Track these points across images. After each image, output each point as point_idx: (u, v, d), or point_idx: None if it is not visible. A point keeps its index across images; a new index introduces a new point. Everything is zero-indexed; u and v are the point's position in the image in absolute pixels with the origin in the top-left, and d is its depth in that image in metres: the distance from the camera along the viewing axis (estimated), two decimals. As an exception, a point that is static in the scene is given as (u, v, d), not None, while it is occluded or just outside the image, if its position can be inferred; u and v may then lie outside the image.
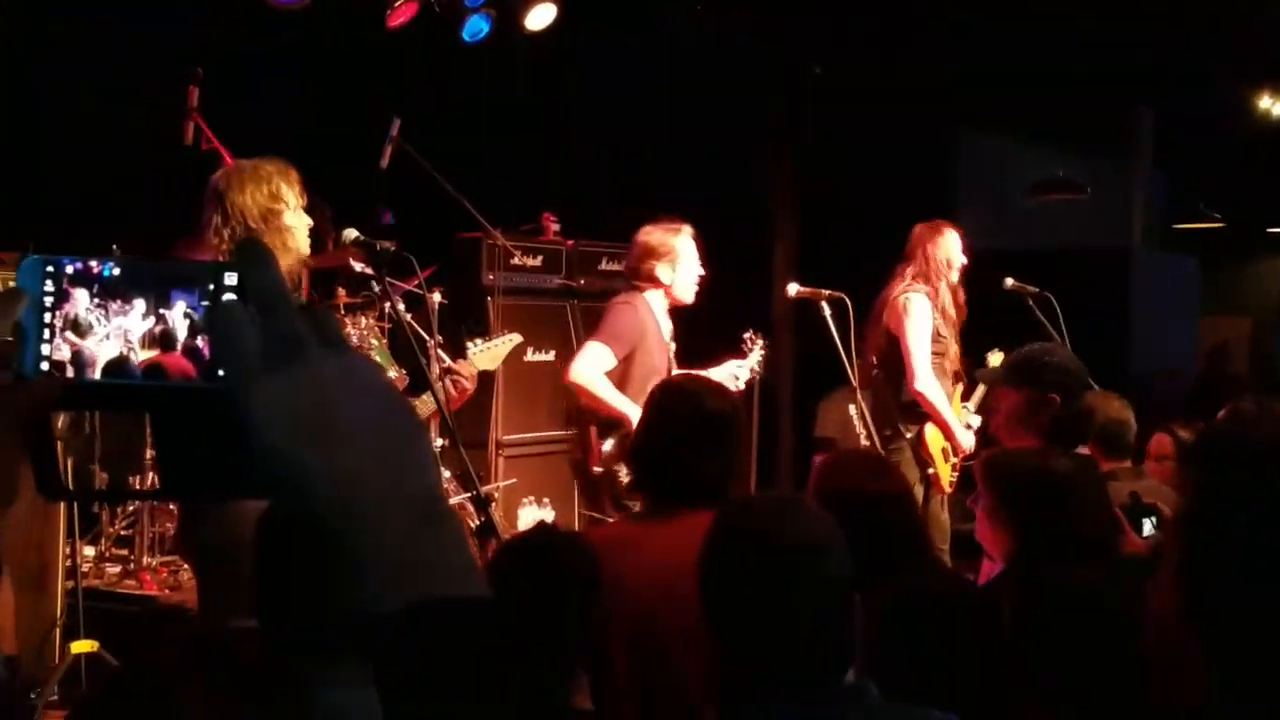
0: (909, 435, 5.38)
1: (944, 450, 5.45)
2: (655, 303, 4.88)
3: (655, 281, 4.85)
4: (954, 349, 5.52)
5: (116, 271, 0.82)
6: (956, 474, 5.52)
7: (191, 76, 5.57)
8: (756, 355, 5.21)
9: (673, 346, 5.00)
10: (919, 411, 5.36)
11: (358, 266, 5.28)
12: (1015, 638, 2.27)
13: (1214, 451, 3.27)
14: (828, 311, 5.06)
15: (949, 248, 5.54)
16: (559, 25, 7.12)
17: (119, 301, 0.81)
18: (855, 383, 5.17)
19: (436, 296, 5.99)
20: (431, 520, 0.74)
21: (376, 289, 5.15)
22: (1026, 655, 2.25)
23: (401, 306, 5.32)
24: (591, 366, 4.70)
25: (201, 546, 2.74)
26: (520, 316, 6.88)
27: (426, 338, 5.66)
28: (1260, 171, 11.23)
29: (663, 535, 2.82)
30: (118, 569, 5.71)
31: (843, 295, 5.09)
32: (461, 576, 0.74)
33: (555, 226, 7.31)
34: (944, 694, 2.01)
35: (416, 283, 5.02)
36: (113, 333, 0.81)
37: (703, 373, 5.18)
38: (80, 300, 0.81)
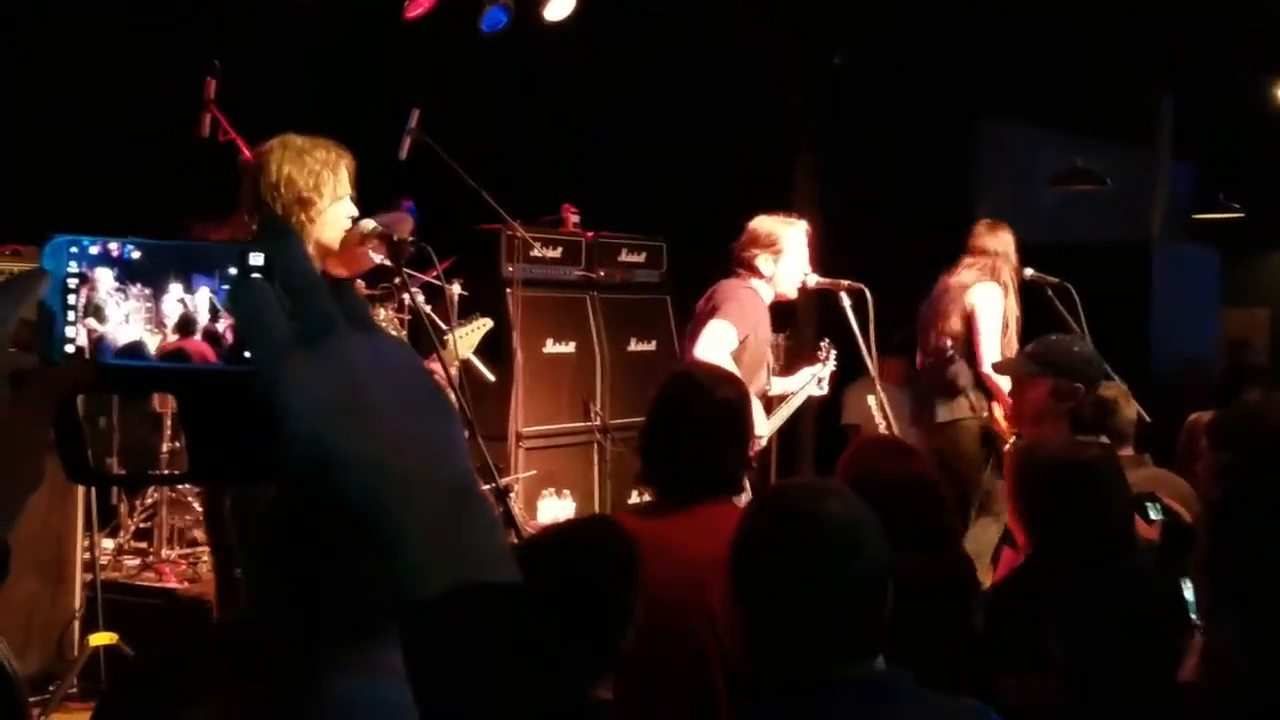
0: (983, 414, 5.76)
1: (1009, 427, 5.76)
2: (763, 292, 4.89)
3: (756, 271, 4.88)
4: (1017, 343, 5.77)
5: (136, 255, 0.80)
6: None
7: (209, 69, 5.56)
8: (832, 363, 5.37)
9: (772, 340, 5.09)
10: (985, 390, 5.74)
11: (377, 258, 5.26)
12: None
13: (1233, 438, 3.27)
14: (847, 302, 5.05)
15: (1013, 243, 5.93)
16: (578, 16, 7.10)
17: (139, 285, 0.80)
18: (874, 373, 5.17)
19: (456, 288, 5.98)
20: (465, 504, 0.72)
21: (395, 281, 5.14)
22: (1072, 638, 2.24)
23: (421, 298, 5.31)
24: (714, 345, 4.59)
25: (231, 528, 2.72)
26: (540, 308, 6.88)
27: (445, 329, 5.65)
28: (1281, 161, 11.17)
29: (680, 527, 2.81)
30: (136, 561, 5.73)
31: (862, 286, 5.06)
32: (496, 561, 0.72)
33: (575, 218, 7.30)
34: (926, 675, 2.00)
35: (435, 274, 5.00)
36: (131, 315, 0.79)
37: (785, 380, 5.31)
38: (102, 283, 0.80)
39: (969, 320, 5.76)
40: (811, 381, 5.23)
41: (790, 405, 5.23)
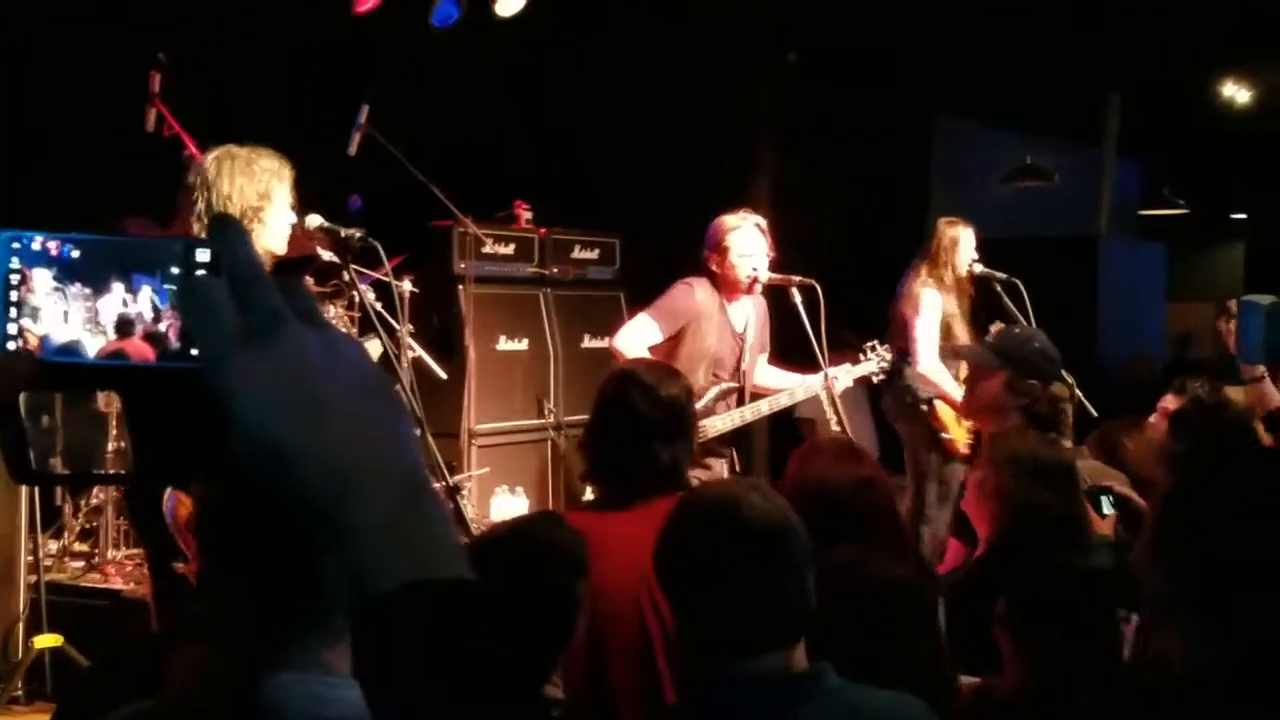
0: (924, 409, 5.84)
1: (955, 418, 5.82)
2: (721, 291, 4.92)
3: (712, 272, 4.92)
4: (963, 338, 5.84)
5: (76, 254, 0.78)
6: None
7: (154, 63, 5.49)
8: (873, 364, 5.33)
9: (751, 338, 5.02)
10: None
11: (325, 255, 5.22)
12: (1007, 611, 2.29)
13: (1192, 430, 3.33)
14: (798, 298, 5.06)
15: (957, 241, 5.95)
16: (530, 11, 7.07)
17: (79, 284, 0.78)
18: (825, 368, 5.18)
19: (407, 285, 5.94)
20: (418, 499, 0.72)
21: (345, 278, 5.10)
22: (1014, 628, 2.26)
23: (371, 295, 5.27)
24: (633, 337, 4.78)
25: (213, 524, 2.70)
26: (492, 305, 6.85)
27: (396, 326, 5.61)
28: (1224, 159, 11.32)
29: (628, 523, 2.81)
30: (81, 563, 5.65)
31: (813, 282, 5.08)
32: (449, 557, 0.72)
33: (527, 214, 7.27)
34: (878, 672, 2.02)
35: (384, 271, 4.97)
36: (70, 314, 0.77)
37: (790, 375, 5.22)
38: (40, 283, 0.78)
39: (905, 325, 5.87)
40: (819, 378, 5.08)
41: (770, 403, 5.14)
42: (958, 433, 5.83)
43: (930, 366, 5.75)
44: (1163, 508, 1.71)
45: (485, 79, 7.88)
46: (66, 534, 5.76)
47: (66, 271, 0.78)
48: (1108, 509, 3.50)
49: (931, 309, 5.86)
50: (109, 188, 5.68)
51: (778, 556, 1.93)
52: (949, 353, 5.82)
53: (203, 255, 0.77)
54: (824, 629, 1.97)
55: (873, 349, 5.37)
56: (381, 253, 4.47)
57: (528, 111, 8.17)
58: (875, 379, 5.47)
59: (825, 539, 2.74)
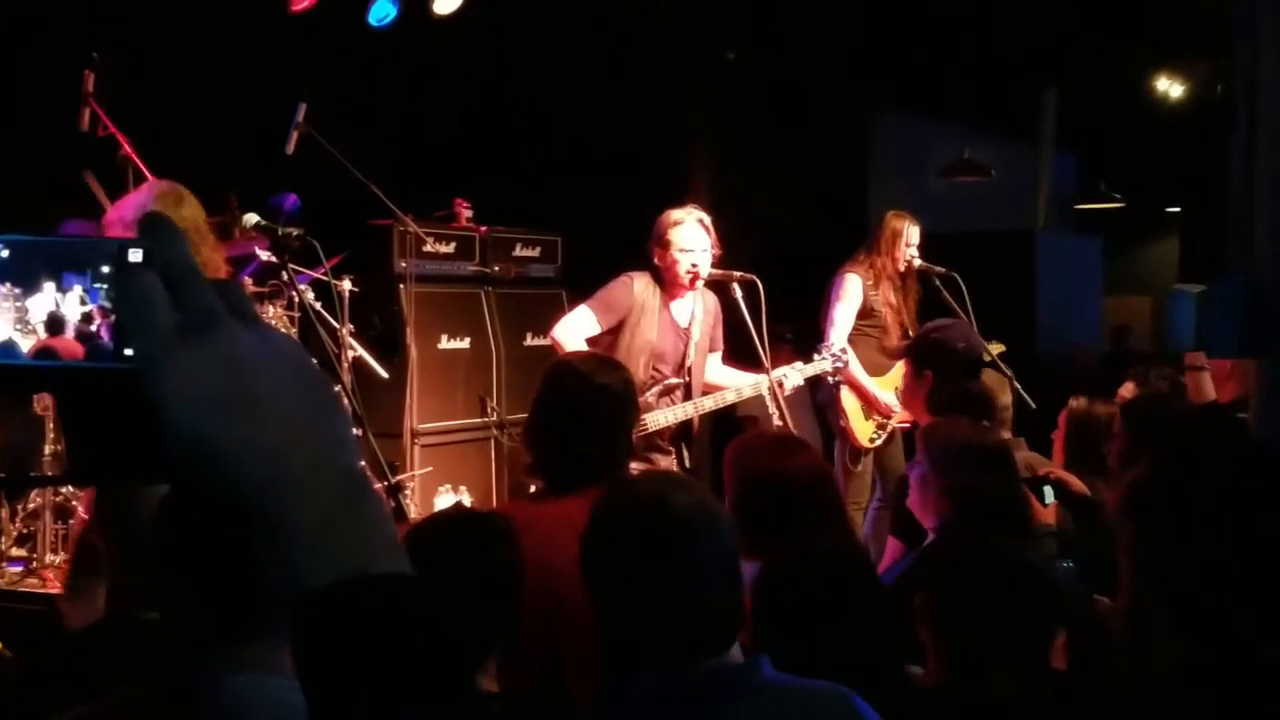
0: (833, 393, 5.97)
1: (861, 409, 5.98)
2: (664, 286, 4.92)
3: (654, 266, 4.93)
4: (895, 329, 6.00)
5: (5, 254, 0.78)
6: (883, 432, 5.99)
7: (88, 62, 5.43)
8: (825, 363, 5.28)
9: (696, 334, 5.01)
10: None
11: (263, 254, 5.18)
12: (942, 603, 2.30)
13: (1149, 422, 3.38)
14: (739, 293, 5.08)
15: (899, 234, 6.06)
16: (468, 9, 7.05)
17: (9, 284, 0.77)
18: (767, 364, 5.20)
19: (347, 284, 5.90)
20: (355, 494, 0.72)
21: (284, 277, 5.06)
22: (950, 619, 2.28)
23: (311, 295, 5.24)
24: (571, 329, 4.83)
25: (115, 527, 2.69)
26: (433, 304, 6.83)
27: (337, 326, 5.58)
28: (1159, 152, 11.49)
29: (567, 511, 2.82)
30: (18, 568, 5.56)
31: (754, 277, 5.10)
32: (387, 551, 0.72)
33: (468, 213, 7.25)
34: (825, 663, 2.02)
35: (323, 270, 4.94)
36: (3, 309, 0.77)
37: (747, 375, 5.19)
38: None
39: (825, 309, 6.02)
40: (771, 378, 5.02)
41: (714, 399, 5.14)
42: (858, 424, 5.96)
43: (837, 349, 5.69)
44: (1132, 503, 1.73)
45: (423, 78, 7.85)
46: (3, 539, 5.68)
47: None
48: (1049, 498, 3.55)
49: (852, 295, 5.99)
50: (45, 188, 5.61)
51: (699, 553, 1.89)
52: (880, 350, 5.97)
53: (135, 255, 0.77)
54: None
55: (827, 348, 5.36)
56: (320, 251, 4.45)
57: (467, 110, 8.15)
58: (831, 379, 5.52)
59: (777, 529, 2.77)
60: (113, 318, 0.77)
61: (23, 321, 0.77)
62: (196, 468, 0.70)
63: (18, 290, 0.77)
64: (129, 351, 0.75)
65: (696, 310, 5.04)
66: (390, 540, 0.73)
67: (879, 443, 6.01)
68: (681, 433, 5.00)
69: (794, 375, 5.16)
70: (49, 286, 0.78)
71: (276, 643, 1.21)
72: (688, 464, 5.05)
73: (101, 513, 2.03)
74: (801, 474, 3.00)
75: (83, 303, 0.78)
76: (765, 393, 5.23)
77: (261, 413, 0.70)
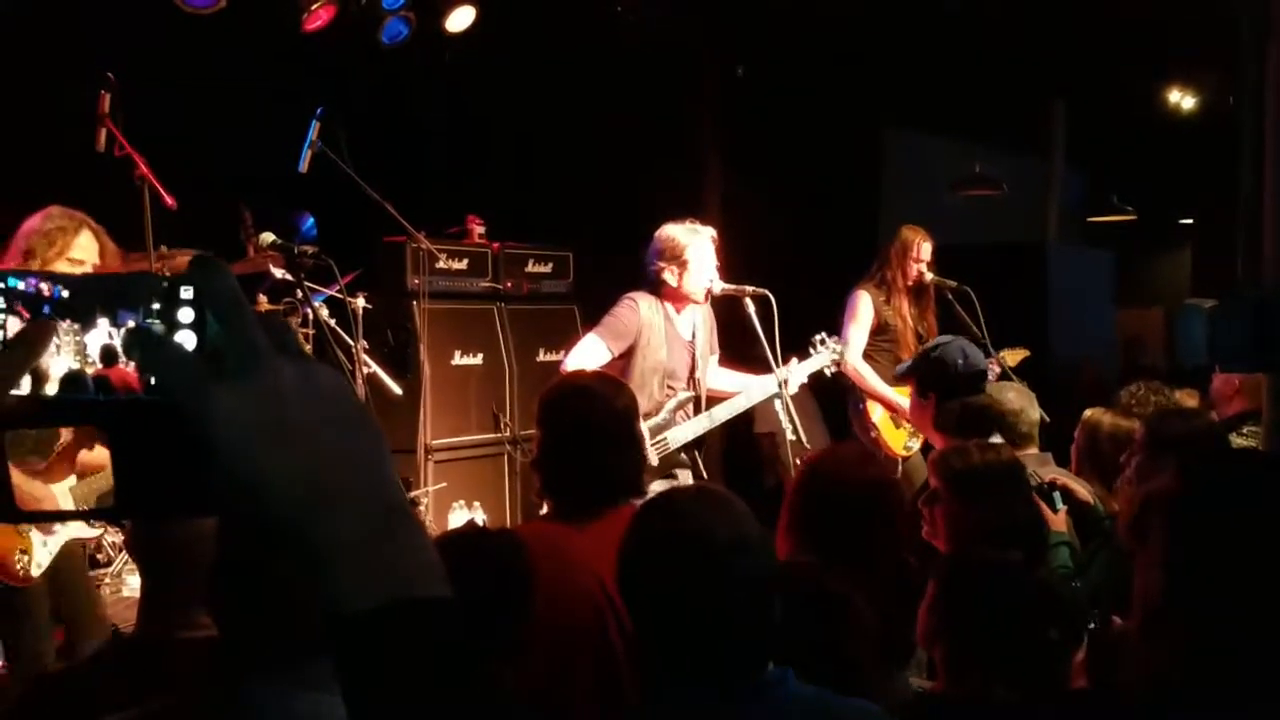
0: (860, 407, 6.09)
1: (889, 419, 6.06)
2: (668, 302, 4.92)
3: (663, 283, 4.92)
4: (913, 341, 6.03)
5: (65, 294, 0.81)
6: (917, 440, 6.04)
7: (103, 82, 5.46)
8: (824, 357, 5.31)
9: (698, 345, 5.04)
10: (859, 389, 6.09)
11: (278, 272, 5.21)
12: (946, 615, 2.31)
13: (1172, 436, 3.37)
14: (751, 308, 5.08)
15: (910, 247, 6.13)
16: (480, 27, 7.09)
17: (69, 320, 0.81)
18: (777, 371, 5.21)
19: (361, 301, 5.93)
20: (396, 522, 0.74)
21: (299, 295, 5.09)
22: (957, 634, 2.28)
23: (325, 312, 5.26)
24: (583, 359, 4.78)
25: (151, 548, 2.71)
26: (446, 320, 6.85)
27: (351, 343, 5.60)
28: (1170, 164, 11.48)
29: (584, 535, 2.82)
30: None
31: (766, 292, 5.11)
32: (427, 576, 0.74)
33: (480, 229, 7.28)
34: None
35: (338, 288, 4.96)
36: (64, 347, 0.80)
37: (748, 377, 5.23)
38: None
39: (841, 328, 6.09)
40: (770, 382, 5.06)
41: (727, 408, 5.12)
42: (890, 434, 6.02)
43: (852, 364, 5.96)
44: (1151, 516, 1.73)
45: (435, 95, 7.89)
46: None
47: (57, 309, 0.81)
48: (1059, 504, 3.55)
49: (863, 314, 6.09)
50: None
51: (736, 575, 1.90)
52: (896, 364, 5.95)
53: (186, 292, 0.80)
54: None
55: (821, 342, 5.35)
56: (335, 269, 4.47)
57: (479, 127, 8.18)
58: (828, 372, 5.46)
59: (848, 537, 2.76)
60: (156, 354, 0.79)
61: (81, 354, 0.80)
62: (239, 499, 0.72)
63: (76, 326, 0.81)
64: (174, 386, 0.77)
65: (696, 320, 5.07)
66: (430, 566, 0.75)
67: (915, 449, 6.05)
68: (695, 442, 5.02)
69: (797, 374, 5.16)
70: (103, 322, 0.81)
71: (322, 662, 1.23)
72: (703, 474, 5.06)
73: (135, 536, 2.05)
74: (874, 483, 2.97)
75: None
76: (778, 407, 5.24)
77: (303, 446, 0.72)
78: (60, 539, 3.90)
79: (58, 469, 3.87)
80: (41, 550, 3.85)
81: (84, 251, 3.86)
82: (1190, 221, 13.92)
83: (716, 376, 5.26)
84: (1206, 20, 7.85)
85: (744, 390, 5.14)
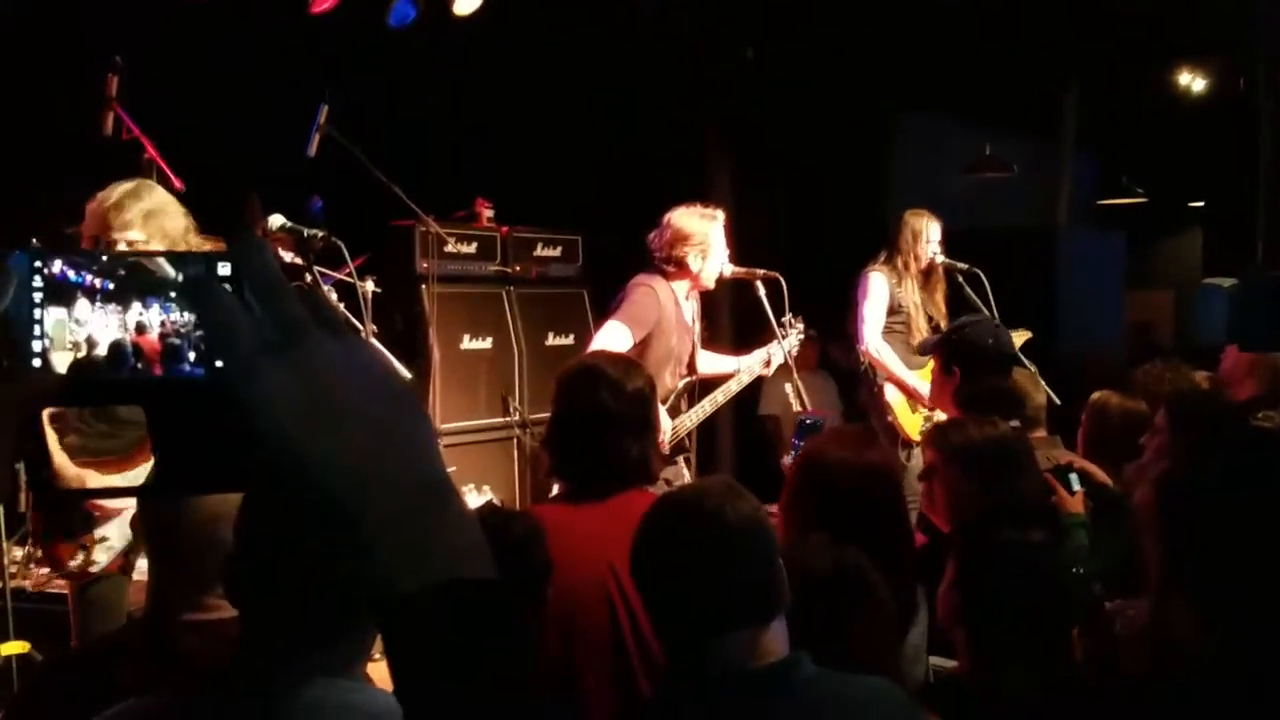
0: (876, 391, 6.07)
1: (906, 403, 6.04)
2: (678, 287, 4.92)
3: (684, 269, 4.92)
4: (924, 324, 6.03)
5: (111, 286, 0.83)
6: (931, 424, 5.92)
7: (110, 65, 5.45)
8: (794, 339, 5.32)
9: (697, 329, 5.06)
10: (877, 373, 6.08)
11: (287, 256, 5.20)
12: (966, 597, 2.30)
13: (1192, 418, 3.36)
14: (762, 291, 5.09)
15: (920, 233, 6.11)
16: (488, 9, 7.06)
17: (112, 305, 0.83)
18: (790, 361, 5.21)
19: (369, 285, 5.91)
20: (438, 502, 0.73)
21: (308, 278, 5.08)
22: (978, 614, 2.28)
23: (334, 296, 5.25)
24: (608, 347, 4.70)
25: (164, 529, 2.71)
26: (455, 304, 6.84)
27: (360, 327, 5.59)
28: (1181, 146, 11.43)
29: (600, 517, 2.82)
30: (46, 569, 5.59)
31: (777, 275, 5.10)
32: (473, 556, 0.73)
33: (489, 212, 7.26)
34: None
35: (348, 271, 4.95)
36: (111, 321, 0.83)
37: (732, 359, 5.29)
38: (80, 306, 0.83)
39: (854, 309, 6.10)
40: (758, 362, 5.23)
41: (724, 392, 5.18)
42: (905, 417, 5.99)
43: (873, 346, 5.97)
44: (1166, 496, 1.73)
45: (443, 78, 7.86)
46: (30, 540, 5.71)
47: (100, 297, 0.83)
48: (1076, 485, 3.53)
49: (877, 292, 6.06)
50: (67, 192, 5.64)
51: (751, 553, 1.96)
52: (908, 347, 5.97)
53: (224, 269, 0.81)
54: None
55: (790, 323, 5.31)
56: (345, 252, 4.45)
57: (487, 110, 8.16)
58: (791, 352, 5.42)
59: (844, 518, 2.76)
60: (198, 331, 0.81)
61: (123, 329, 0.82)
62: (280, 476, 0.71)
63: (119, 308, 0.83)
64: (219, 363, 0.78)
65: (690, 306, 5.06)
66: (473, 545, 0.74)
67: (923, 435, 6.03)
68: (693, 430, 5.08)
69: (777, 353, 5.22)
70: (136, 305, 0.83)
71: (350, 647, 1.22)
72: (691, 461, 5.11)
73: (146, 520, 2.04)
74: (874, 466, 2.97)
75: (162, 320, 0.83)
76: (789, 390, 5.25)
77: (344, 422, 0.71)
78: (120, 536, 3.88)
79: (139, 459, 3.85)
80: (103, 553, 3.83)
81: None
82: (1201, 204, 13.87)
83: (706, 360, 5.28)
84: (1217, 3, 7.82)
85: (732, 373, 5.23)
